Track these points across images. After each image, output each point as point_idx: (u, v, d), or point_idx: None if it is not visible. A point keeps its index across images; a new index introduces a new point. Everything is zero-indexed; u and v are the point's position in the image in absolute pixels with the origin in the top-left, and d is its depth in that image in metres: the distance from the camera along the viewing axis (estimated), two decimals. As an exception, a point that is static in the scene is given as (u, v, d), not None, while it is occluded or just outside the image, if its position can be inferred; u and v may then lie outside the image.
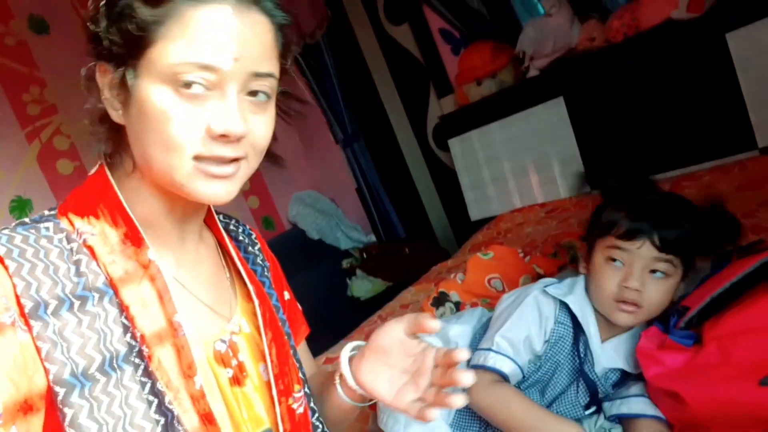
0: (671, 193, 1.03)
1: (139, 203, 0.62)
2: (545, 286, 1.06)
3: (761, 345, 0.80)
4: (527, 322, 1.02)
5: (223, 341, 0.65)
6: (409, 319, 0.64)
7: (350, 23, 3.23)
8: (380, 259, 3.31)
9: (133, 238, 0.60)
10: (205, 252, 0.71)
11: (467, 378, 0.58)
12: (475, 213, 2.93)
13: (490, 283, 1.61)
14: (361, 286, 3.18)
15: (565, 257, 1.72)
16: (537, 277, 1.57)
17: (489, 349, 1.00)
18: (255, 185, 3.55)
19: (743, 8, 1.87)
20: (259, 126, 0.59)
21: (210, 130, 0.55)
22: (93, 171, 0.64)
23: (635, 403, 0.97)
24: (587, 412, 1.00)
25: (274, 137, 0.65)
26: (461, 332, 1.14)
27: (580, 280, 1.04)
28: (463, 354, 0.59)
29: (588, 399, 1.00)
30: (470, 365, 1.00)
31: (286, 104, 0.69)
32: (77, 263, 0.57)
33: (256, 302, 0.69)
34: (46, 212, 0.62)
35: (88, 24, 0.57)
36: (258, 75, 0.57)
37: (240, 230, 0.80)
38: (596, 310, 1.00)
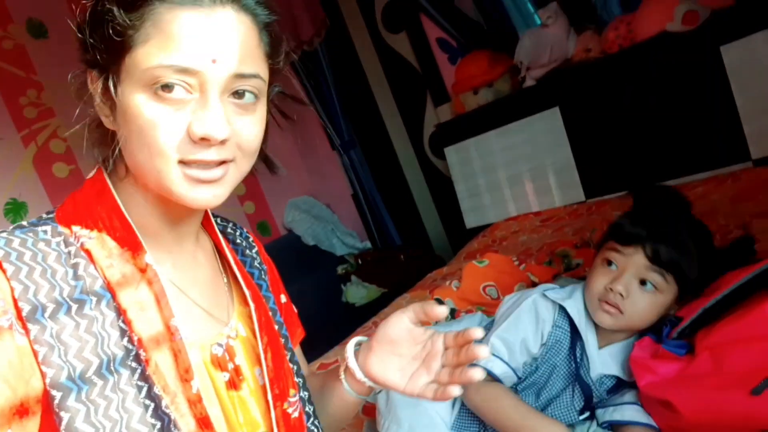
0: (692, 217, 1.02)
1: (135, 207, 0.62)
2: (545, 291, 1.07)
3: (753, 354, 0.80)
4: (524, 325, 1.03)
5: (220, 345, 0.65)
6: (415, 308, 0.68)
7: (348, 31, 3.25)
8: (375, 265, 3.31)
9: (131, 242, 0.60)
10: (202, 256, 0.71)
11: (483, 351, 0.61)
12: (470, 221, 2.94)
13: (485, 290, 1.61)
14: (356, 293, 3.17)
15: (560, 265, 1.73)
16: (531, 285, 1.58)
17: None
18: (251, 190, 3.55)
19: (737, 22, 1.90)
20: (245, 128, 0.58)
21: (191, 133, 0.54)
22: (90, 175, 0.64)
23: (628, 411, 0.97)
24: (581, 417, 1.01)
25: (272, 141, 0.66)
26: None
27: (580, 287, 1.06)
28: (477, 332, 0.62)
29: (583, 403, 1.00)
30: None
31: (283, 105, 0.69)
32: (75, 267, 0.57)
33: (252, 306, 0.69)
34: (44, 215, 0.62)
35: (77, 32, 0.57)
36: (241, 76, 0.56)
37: (237, 233, 0.81)
38: None
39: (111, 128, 0.59)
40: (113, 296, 0.57)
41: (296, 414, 0.69)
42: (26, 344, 0.51)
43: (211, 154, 0.55)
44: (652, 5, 2.08)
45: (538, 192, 2.62)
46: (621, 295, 0.95)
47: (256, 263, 0.78)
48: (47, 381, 0.51)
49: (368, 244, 3.71)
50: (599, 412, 1.02)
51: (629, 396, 0.99)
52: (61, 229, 0.59)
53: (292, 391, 0.70)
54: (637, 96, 2.17)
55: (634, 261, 0.95)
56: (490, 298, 1.60)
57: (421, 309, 0.67)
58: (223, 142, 0.55)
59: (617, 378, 1.00)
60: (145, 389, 0.56)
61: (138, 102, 0.53)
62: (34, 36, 2.72)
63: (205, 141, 0.54)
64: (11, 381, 0.49)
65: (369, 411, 1.19)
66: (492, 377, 1.00)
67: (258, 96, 0.59)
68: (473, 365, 0.63)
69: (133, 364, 0.56)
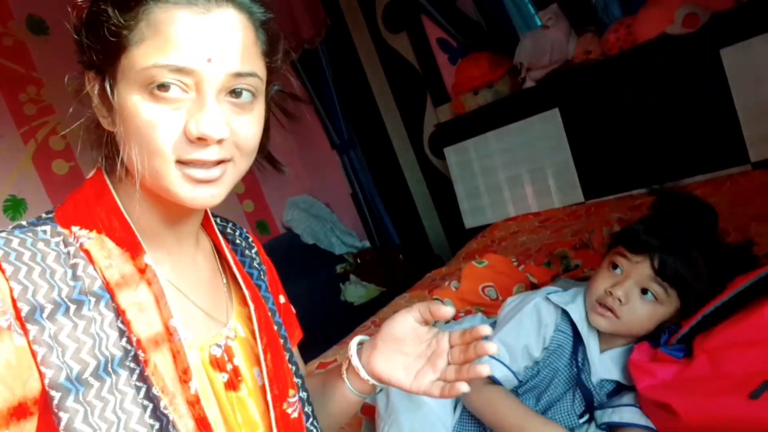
0: (712, 232, 0.97)
1: (134, 208, 0.61)
2: (548, 294, 1.07)
3: (751, 358, 0.80)
4: (526, 329, 1.03)
5: (219, 346, 0.65)
6: (421, 308, 0.69)
7: (349, 30, 3.25)
8: (374, 264, 3.32)
9: (130, 242, 0.59)
10: (201, 256, 0.71)
11: (492, 347, 0.62)
12: (469, 221, 2.94)
13: (484, 291, 1.61)
14: (355, 292, 3.18)
15: (559, 267, 1.73)
16: (531, 285, 1.58)
17: None
18: (250, 189, 3.55)
19: (737, 25, 1.90)
20: (243, 127, 0.57)
21: (187, 133, 0.54)
22: (90, 175, 0.64)
23: (627, 413, 0.97)
24: (580, 421, 1.01)
25: (272, 140, 0.66)
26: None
27: (583, 290, 1.05)
28: (486, 329, 0.64)
29: (583, 408, 1.00)
30: None
31: (283, 104, 0.69)
32: (74, 267, 0.56)
33: (252, 307, 0.69)
34: (44, 215, 0.62)
35: (74, 34, 0.57)
36: (238, 75, 0.55)
37: (237, 234, 0.80)
38: None
39: (109, 129, 0.59)
40: (112, 297, 0.57)
41: (295, 414, 0.69)
42: (25, 345, 0.51)
43: (209, 154, 0.55)
44: (653, 8, 2.08)
45: (537, 193, 2.62)
46: (620, 300, 0.94)
47: (255, 264, 0.78)
48: (46, 381, 0.51)
49: (367, 244, 3.71)
50: (598, 413, 1.02)
51: (627, 398, 0.99)
52: (60, 229, 0.59)
53: (291, 392, 0.70)
54: (636, 98, 2.17)
55: (640, 269, 0.94)
56: (489, 298, 1.60)
57: (426, 308, 0.69)
58: (220, 142, 0.55)
59: (617, 382, 1.00)
60: (143, 390, 0.55)
61: (134, 102, 0.53)
62: (35, 33, 2.71)
63: (202, 141, 0.54)
64: (9, 382, 0.49)
65: (367, 410, 1.19)
66: (492, 380, 1.00)
67: (255, 95, 0.59)
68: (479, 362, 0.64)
69: (132, 365, 0.56)
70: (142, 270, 0.59)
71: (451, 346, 0.68)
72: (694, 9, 1.95)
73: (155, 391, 0.55)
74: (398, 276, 2.96)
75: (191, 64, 0.53)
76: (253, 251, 0.80)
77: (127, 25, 0.52)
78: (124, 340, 0.56)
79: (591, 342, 1.01)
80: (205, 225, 0.74)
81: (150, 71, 0.52)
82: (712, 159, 2.08)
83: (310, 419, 0.73)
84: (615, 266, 0.98)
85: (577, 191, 2.47)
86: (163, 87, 0.53)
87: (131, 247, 0.59)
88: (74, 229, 0.59)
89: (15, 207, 2.55)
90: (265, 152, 0.69)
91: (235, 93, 0.57)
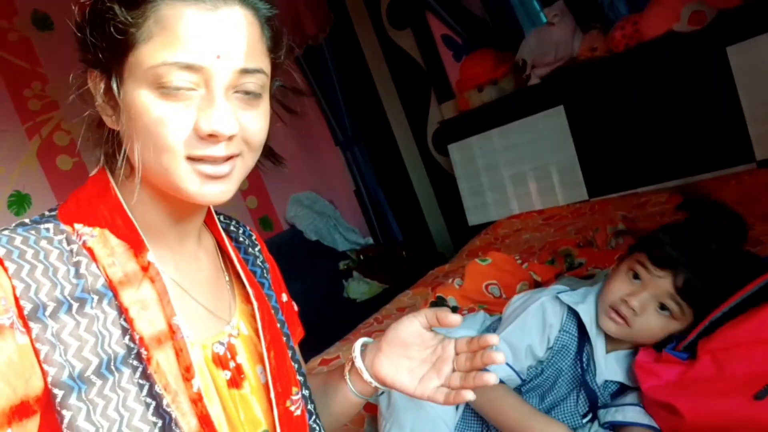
0: (741, 253, 0.93)
1: (137, 206, 0.61)
2: (558, 293, 1.05)
3: (755, 359, 0.80)
4: (530, 329, 1.02)
5: (222, 343, 0.65)
6: (428, 314, 0.69)
7: (353, 27, 3.24)
8: (377, 261, 3.32)
9: (133, 240, 0.59)
10: (204, 254, 0.71)
11: (500, 357, 0.62)
12: (473, 218, 2.94)
13: (487, 289, 1.61)
14: (357, 288, 3.18)
15: (562, 264, 1.73)
16: (534, 283, 1.58)
17: None
18: (254, 185, 3.55)
19: (743, 23, 1.89)
20: (251, 122, 0.58)
21: (198, 130, 0.54)
22: (94, 172, 0.64)
23: (630, 412, 0.97)
24: (584, 421, 1.00)
25: (275, 137, 0.65)
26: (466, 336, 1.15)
27: (594, 291, 1.04)
28: (493, 338, 0.64)
29: (587, 408, 1.00)
30: None
31: (285, 99, 0.69)
32: (77, 265, 0.56)
33: (255, 305, 0.69)
34: (47, 213, 0.62)
35: (77, 32, 0.57)
36: (245, 71, 0.55)
37: (240, 231, 0.80)
38: None
39: (113, 128, 0.58)
40: (115, 295, 0.57)
41: (298, 412, 0.69)
42: (27, 343, 0.51)
43: (219, 150, 0.55)
44: (659, 5, 2.07)
45: (541, 190, 2.62)
46: (634, 310, 0.92)
47: (258, 261, 0.78)
48: (49, 380, 0.51)
49: (370, 240, 3.71)
50: (601, 412, 1.02)
51: (631, 397, 0.99)
52: (63, 227, 0.59)
53: (294, 389, 0.70)
54: (642, 96, 2.16)
55: (660, 284, 0.90)
56: (493, 296, 1.59)
57: (434, 315, 0.68)
58: (230, 138, 0.55)
59: (621, 383, 1.00)
60: (146, 388, 0.56)
61: (143, 100, 0.53)
62: (39, 28, 2.71)
63: (213, 137, 0.54)
64: (11, 380, 0.49)
65: (370, 407, 1.19)
66: None
67: (262, 90, 0.59)
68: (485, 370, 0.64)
69: (135, 363, 0.56)
70: (145, 268, 0.59)
71: (457, 353, 0.67)
72: (701, 6, 1.94)
73: (158, 388, 0.56)
74: (401, 273, 2.96)
75: (200, 61, 0.53)
76: (256, 249, 0.80)
77: (134, 22, 0.52)
78: (127, 337, 0.56)
79: (598, 343, 1.00)
80: (209, 222, 0.74)
81: (159, 69, 0.52)
82: (717, 157, 2.07)
83: (313, 417, 0.73)
84: (634, 274, 0.94)
85: (582, 189, 2.47)
86: (172, 86, 0.53)
87: (134, 244, 0.59)
88: (77, 226, 0.59)
89: (19, 202, 2.55)
90: (266, 148, 0.69)
91: (242, 89, 0.57)
